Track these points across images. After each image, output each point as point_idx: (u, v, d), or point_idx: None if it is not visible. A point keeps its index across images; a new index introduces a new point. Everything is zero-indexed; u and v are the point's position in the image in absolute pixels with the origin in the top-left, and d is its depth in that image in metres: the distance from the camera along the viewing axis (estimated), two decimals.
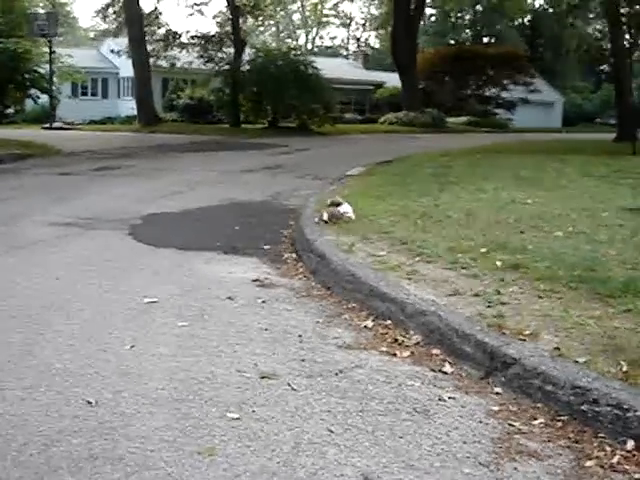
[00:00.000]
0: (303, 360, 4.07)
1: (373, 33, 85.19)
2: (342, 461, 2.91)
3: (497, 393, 3.61)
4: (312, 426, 3.22)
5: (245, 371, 3.88)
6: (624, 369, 3.42)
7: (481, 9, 66.10)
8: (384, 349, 4.27)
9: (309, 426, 3.22)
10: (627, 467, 2.89)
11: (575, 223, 7.34)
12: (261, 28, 79.10)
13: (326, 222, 7.59)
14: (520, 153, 19.24)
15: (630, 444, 3.01)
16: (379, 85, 50.23)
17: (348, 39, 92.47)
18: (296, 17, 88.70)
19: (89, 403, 3.42)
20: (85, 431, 3.14)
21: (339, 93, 39.26)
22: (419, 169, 14.31)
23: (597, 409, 3.18)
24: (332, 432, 3.16)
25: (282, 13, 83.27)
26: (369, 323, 4.77)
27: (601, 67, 66.56)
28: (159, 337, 4.46)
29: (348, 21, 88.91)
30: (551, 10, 65.45)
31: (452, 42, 60.41)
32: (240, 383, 3.71)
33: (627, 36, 26.92)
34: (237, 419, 3.27)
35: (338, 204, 7.89)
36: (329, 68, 37.94)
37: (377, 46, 79.89)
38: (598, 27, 56.79)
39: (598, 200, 9.00)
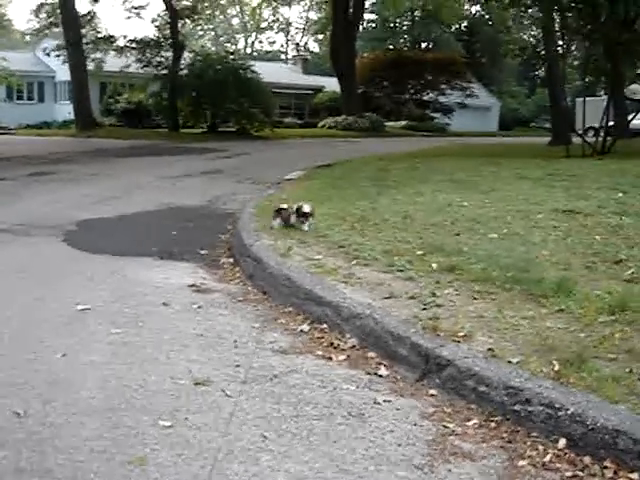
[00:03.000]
0: (238, 365, 4.03)
1: (312, 38, 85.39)
2: (275, 467, 2.88)
3: (432, 395, 3.62)
4: (246, 432, 3.18)
5: (179, 378, 3.82)
6: (556, 368, 3.46)
7: (419, 15, 66.64)
8: (320, 353, 4.25)
9: (243, 432, 3.18)
10: (559, 465, 2.92)
11: (510, 225, 7.42)
12: (200, 32, 78.77)
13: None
14: (457, 157, 19.42)
15: (562, 442, 3.04)
16: (318, 90, 50.34)
17: (287, 44, 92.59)
18: (235, 21, 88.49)
19: (17, 414, 3.32)
20: (12, 443, 3.05)
21: (278, 97, 39.35)
22: (357, 173, 14.35)
23: (530, 409, 3.20)
24: (266, 438, 3.12)
25: (221, 17, 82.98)
26: (305, 327, 4.75)
27: (536, 72, 67.77)
28: (92, 345, 4.36)
29: (287, 26, 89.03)
30: (487, 16, 66.30)
31: (391, 47, 60.70)
32: (173, 390, 3.65)
33: (560, 42, 27.34)
34: (169, 427, 3.22)
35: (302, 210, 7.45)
36: (268, 73, 37.96)
37: (316, 51, 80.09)
38: (533, 33, 57.72)
39: (533, 202, 9.10)
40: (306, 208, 7.39)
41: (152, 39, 35.42)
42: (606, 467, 2.86)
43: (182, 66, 34.24)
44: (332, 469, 2.86)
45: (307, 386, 3.71)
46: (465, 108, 51.28)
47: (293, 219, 7.45)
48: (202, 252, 7.27)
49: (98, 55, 34.99)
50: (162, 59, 34.76)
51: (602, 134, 20.71)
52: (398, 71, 46.67)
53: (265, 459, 2.94)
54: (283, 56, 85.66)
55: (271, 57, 79.31)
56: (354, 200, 9.60)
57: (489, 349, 3.75)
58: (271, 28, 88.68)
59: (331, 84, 45.58)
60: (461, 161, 17.20)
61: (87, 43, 34.41)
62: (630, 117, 26.08)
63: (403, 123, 45.06)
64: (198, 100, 32.60)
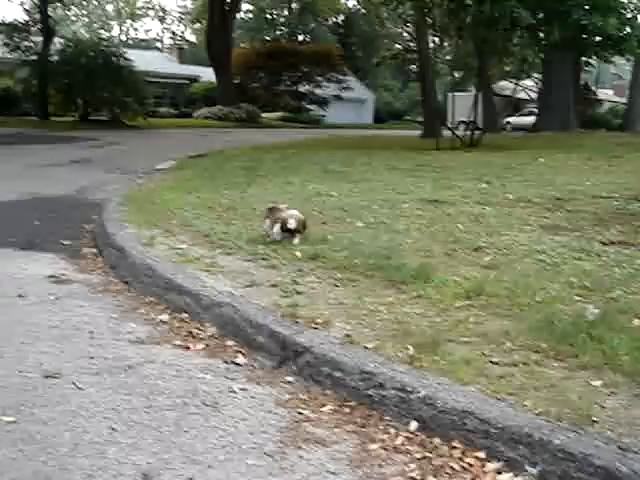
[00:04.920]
0: (92, 357, 3.88)
1: (189, 27, 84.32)
2: (122, 460, 2.78)
3: (289, 382, 3.59)
4: (94, 425, 3.06)
5: (28, 371, 3.65)
6: (411, 353, 3.49)
7: (296, 7, 66.89)
8: (178, 343, 4.16)
9: (91, 425, 3.06)
10: (410, 448, 2.94)
11: (376, 214, 7.50)
12: (73, 18, 76.49)
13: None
14: (331, 148, 19.55)
15: (413, 425, 3.07)
16: (194, 79, 49.83)
17: (163, 32, 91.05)
18: (110, 8, 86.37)
19: None
20: None
21: (153, 87, 38.59)
22: (230, 163, 14.26)
23: (383, 393, 3.22)
24: (115, 430, 3.02)
25: (95, 3, 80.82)
26: (165, 317, 4.64)
27: (410, 67, 69.11)
28: None
29: (163, 14, 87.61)
30: (364, 11, 67.13)
31: (268, 39, 60.70)
32: (21, 384, 3.48)
33: (432, 38, 27.97)
34: (13, 422, 3.06)
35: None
36: (143, 61, 37.24)
37: (193, 40, 79.11)
38: (408, 29, 58.79)
39: (400, 192, 9.26)
40: (292, 224, 6.02)
41: (20, 22, 34.02)
42: (455, 447, 2.90)
43: (53, 52, 33.07)
44: (181, 459, 2.79)
45: (162, 376, 3.62)
46: (340, 101, 51.81)
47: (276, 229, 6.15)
48: (65, 243, 7.02)
49: None
50: (31, 44, 33.43)
51: (474, 128, 21.35)
52: (274, 62, 46.72)
53: (112, 452, 2.84)
54: (159, 44, 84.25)
55: (146, 45, 77.84)
56: (224, 190, 9.52)
57: (346, 335, 3.75)
58: (147, 15, 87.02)
59: (207, 74, 45.18)
60: (334, 152, 17.32)
61: None
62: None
63: (279, 114, 45.16)
64: (69, 88, 31.59)
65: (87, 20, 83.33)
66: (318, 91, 50.88)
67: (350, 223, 6.95)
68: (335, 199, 8.58)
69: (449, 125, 22.10)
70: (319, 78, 50.19)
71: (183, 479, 2.67)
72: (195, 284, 4.78)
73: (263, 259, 5.48)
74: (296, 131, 34.39)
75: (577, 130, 32.33)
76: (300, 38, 67.74)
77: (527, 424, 2.81)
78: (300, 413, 3.24)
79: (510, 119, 49.74)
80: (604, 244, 6.30)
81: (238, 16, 52.69)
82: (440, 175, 11.58)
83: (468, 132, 21.07)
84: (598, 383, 3.22)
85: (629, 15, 20.86)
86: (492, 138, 23.88)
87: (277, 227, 6.08)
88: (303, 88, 50.97)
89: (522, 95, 45.25)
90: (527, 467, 2.71)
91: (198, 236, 6.41)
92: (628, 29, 20.92)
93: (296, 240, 6.03)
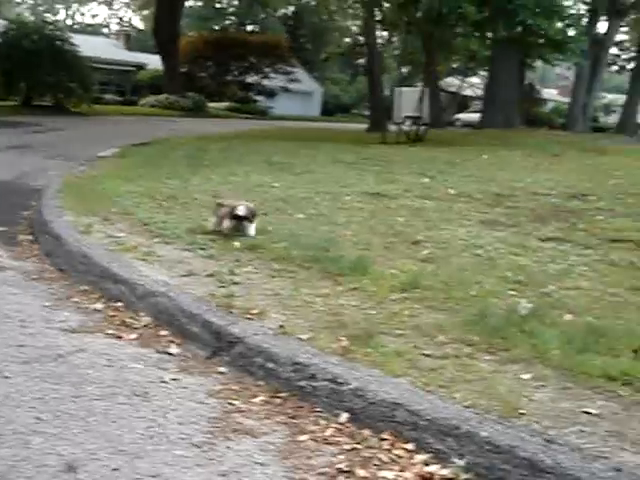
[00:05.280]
0: (21, 346, 3.80)
1: (137, 13, 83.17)
2: (47, 450, 2.72)
3: (221, 373, 3.56)
4: (19, 415, 2.99)
5: None
6: (344, 344, 3.50)
7: None
8: (111, 332, 4.10)
9: (16, 415, 2.99)
10: (339, 439, 2.94)
11: (317, 206, 7.51)
12: (17, 0, 74.92)
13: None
14: (277, 139, 19.50)
15: (344, 416, 3.07)
16: (141, 67, 49.19)
17: (110, 18, 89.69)
18: None
19: None
20: None
21: (99, 73, 38.05)
22: (174, 152, 14.13)
23: (315, 384, 3.22)
24: (41, 420, 2.96)
25: None
26: (99, 306, 4.58)
27: (358, 60, 69.25)
28: None
29: None
30: (313, 3, 67.03)
31: (216, 28, 60.18)
32: None
33: (381, 33, 28.13)
34: None
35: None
36: (89, 47, 36.53)
37: (140, 27, 78.08)
38: (357, 22, 58.91)
39: (343, 185, 9.27)
40: (242, 210, 5.86)
41: None
42: (384, 439, 2.91)
43: None
44: (107, 450, 2.75)
45: (92, 366, 3.56)
46: (288, 92, 51.72)
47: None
48: (0, 229, 6.87)
49: None
50: None
51: (419, 123, 21.52)
52: (222, 52, 46.37)
53: (36, 442, 2.78)
54: (106, 30, 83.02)
55: (93, 31, 76.53)
56: (166, 179, 9.43)
57: (281, 326, 3.74)
58: (94, 0, 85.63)
59: (154, 62, 44.54)
60: (279, 144, 17.29)
61: None
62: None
63: (226, 104, 44.80)
64: (11, 71, 30.88)
65: (32, 2, 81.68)
66: (266, 82, 50.70)
67: (291, 215, 6.94)
68: (277, 190, 8.55)
69: (395, 120, 22.19)
70: (267, 69, 49.99)
71: (108, 470, 2.63)
72: (131, 273, 4.72)
73: (201, 249, 5.44)
74: (242, 122, 34.23)
75: (521, 128, 32.81)
76: (249, 28, 67.36)
77: (455, 416, 2.83)
78: (231, 404, 3.22)
79: (460, 115, 50.35)
80: (541, 240, 6.40)
81: (187, 4, 52.15)
82: (384, 169, 11.63)
83: (414, 127, 21.21)
84: (528, 376, 3.26)
85: (571, 20, 21.21)
86: (437, 134, 24.06)
87: (227, 220, 5.93)
88: (251, 79, 50.69)
89: (469, 92, 45.80)
90: (454, 459, 2.73)
91: (137, 225, 6.33)
92: (571, 33, 21.27)
93: (251, 230, 5.90)
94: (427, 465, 2.74)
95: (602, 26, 42.95)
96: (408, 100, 24.04)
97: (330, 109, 59.35)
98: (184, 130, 22.95)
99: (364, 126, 30.74)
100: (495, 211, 7.84)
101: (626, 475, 2.47)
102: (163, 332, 4.08)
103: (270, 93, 50.92)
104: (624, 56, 58.42)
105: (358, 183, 9.51)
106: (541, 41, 20.23)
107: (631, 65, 49.99)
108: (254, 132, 23.70)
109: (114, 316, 4.39)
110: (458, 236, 6.35)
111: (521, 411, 2.89)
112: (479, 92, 43.99)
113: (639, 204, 8.70)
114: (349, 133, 25.63)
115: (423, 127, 21.78)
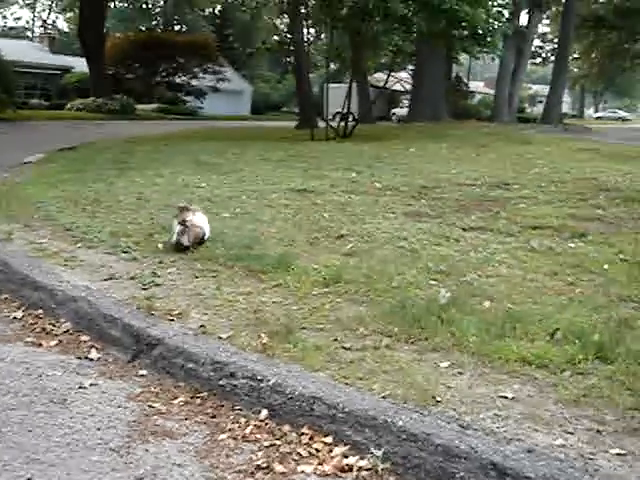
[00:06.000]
0: None
1: (61, 15, 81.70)
2: None
3: (142, 375, 3.53)
4: None
5: None
6: (264, 341, 3.50)
7: None
8: (30, 340, 4.03)
9: None
10: (259, 436, 2.95)
11: (243, 204, 7.50)
12: None
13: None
14: (205, 140, 19.36)
15: (264, 413, 3.07)
16: (67, 70, 48.27)
17: (34, 20, 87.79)
18: None
19: None
20: None
21: (23, 77, 37.23)
22: (100, 155, 13.94)
23: (234, 382, 3.22)
24: None
25: None
26: (19, 314, 4.48)
27: (287, 58, 69.23)
28: None
29: (33, 1, 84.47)
30: (240, 2, 66.76)
31: (143, 29, 59.49)
32: None
33: (307, 30, 28.06)
34: None
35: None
36: (11, 50, 35.77)
37: (66, 29, 76.70)
38: (286, 20, 58.87)
39: (270, 182, 9.27)
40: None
41: None
42: (303, 433, 2.93)
43: None
44: (22, 460, 2.70)
45: (10, 375, 3.49)
46: (218, 92, 51.33)
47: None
48: None
49: None
50: None
51: (348, 119, 21.61)
52: (150, 53, 45.78)
53: None
54: (29, 34, 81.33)
55: (16, 34, 74.94)
56: (91, 182, 9.31)
57: (201, 326, 3.74)
58: (16, 2, 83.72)
59: (81, 65, 43.78)
60: (208, 144, 17.17)
61: None
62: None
63: (155, 106, 44.28)
64: None
65: None
66: (194, 82, 50.27)
67: (216, 214, 6.90)
68: (204, 190, 8.51)
69: (324, 116, 22.25)
70: (195, 69, 49.58)
71: None
72: (51, 279, 4.65)
73: (124, 252, 5.38)
74: (171, 123, 33.90)
75: (448, 120, 33.22)
76: (176, 28, 66.79)
77: (373, 407, 2.86)
78: (151, 406, 3.20)
79: (396, 110, 50.91)
80: (463, 230, 6.50)
81: (112, 5, 51.50)
82: (311, 165, 11.66)
83: (343, 123, 21.30)
84: (446, 364, 3.32)
85: (493, 12, 21.46)
86: (367, 129, 24.22)
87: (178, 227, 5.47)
88: (179, 79, 50.21)
89: (398, 87, 46.12)
90: (372, 449, 2.76)
91: (59, 230, 6.24)
92: (495, 24, 21.54)
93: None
94: (346, 457, 2.76)
95: (524, 18, 43.93)
96: (337, 96, 24.13)
97: (260, 107, 59.21)
98: (112, 133, 22.63)
99: (294, 124, 30.75)
100: (420, 203, 7.93)
101: (537, 455, 2.52)
102: (84, 337, 4.02)
103: (199, 93, 50.51)
104: (547, 47, 59.77)
105: (285, 180, 9.51)
106: (465, 33, 20.47)
107: (553, 57, 51.09)
108: (182, 133, 23.51)
109: (34, 324, 4.31)
110: (382, 229, 6.40)
111: (438, 399, 2.94)
112: (409, 87, 44.35)
113: (560, 191, 8.90)
114: (278, 131, 25.63)
115: (352, 123, 21.90)
